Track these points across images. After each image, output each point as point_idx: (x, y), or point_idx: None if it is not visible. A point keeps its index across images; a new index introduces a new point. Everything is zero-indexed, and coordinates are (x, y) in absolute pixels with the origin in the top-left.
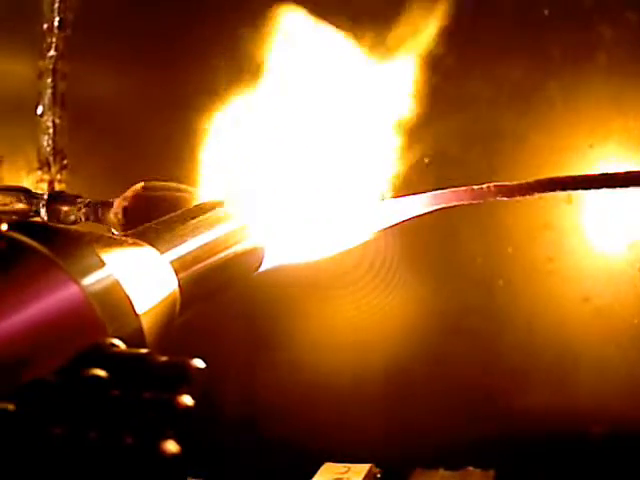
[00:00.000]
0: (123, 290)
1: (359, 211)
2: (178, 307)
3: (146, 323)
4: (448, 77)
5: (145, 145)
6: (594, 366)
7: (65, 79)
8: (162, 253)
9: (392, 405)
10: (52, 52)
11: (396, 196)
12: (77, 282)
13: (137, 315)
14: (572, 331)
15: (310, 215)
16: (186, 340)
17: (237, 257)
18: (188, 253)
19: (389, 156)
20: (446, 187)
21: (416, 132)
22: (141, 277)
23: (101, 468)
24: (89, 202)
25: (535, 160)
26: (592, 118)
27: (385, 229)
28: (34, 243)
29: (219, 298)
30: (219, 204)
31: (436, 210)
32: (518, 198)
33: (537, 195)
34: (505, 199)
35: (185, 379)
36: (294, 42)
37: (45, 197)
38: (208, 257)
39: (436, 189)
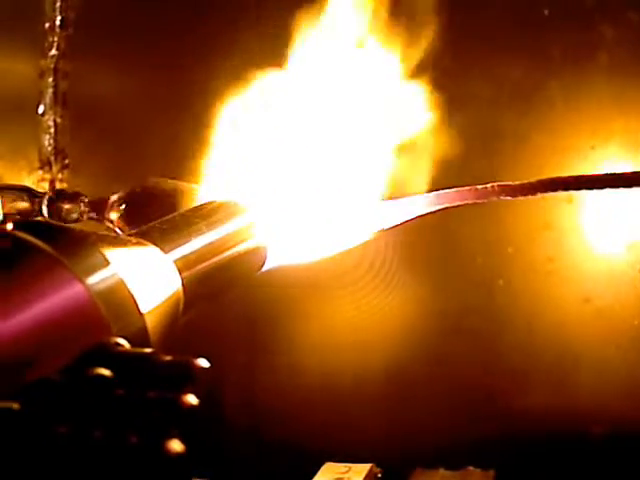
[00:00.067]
0: (127, 289)
1: (360, 211)
2: (182, 306)
3: (150, 322)
4: (449, 77)
5: (146, 144)
6: (594, 367)
7: (66, 78)
8: (166, 252)
9: (392, 405)
10: (54, 51)
11: (397, 196)
12: (82, 281)
13: (141, 314)
14: (572, 332)
15: (311, 215)
16: (187, 341)
17: (240, 257)
18: (192, 252)
19: (390, 156)
20: (448, 187)
21: (417, 132)
22: (145, 276)
23: (106, 467)
24: (91, 200)
25: (537, 160)
26: (594, 118)
27: (387, 229)
28: (39, 242)
29: (222, 298)
30: (223, 204)
31: (439, 210)
32: (520, 198)
33: (540, 195)
34: (508, 199)
35: (189, 378)
36: (295, 43)
37: (47, 195)
38: (212, 256)
39: (438, 189)
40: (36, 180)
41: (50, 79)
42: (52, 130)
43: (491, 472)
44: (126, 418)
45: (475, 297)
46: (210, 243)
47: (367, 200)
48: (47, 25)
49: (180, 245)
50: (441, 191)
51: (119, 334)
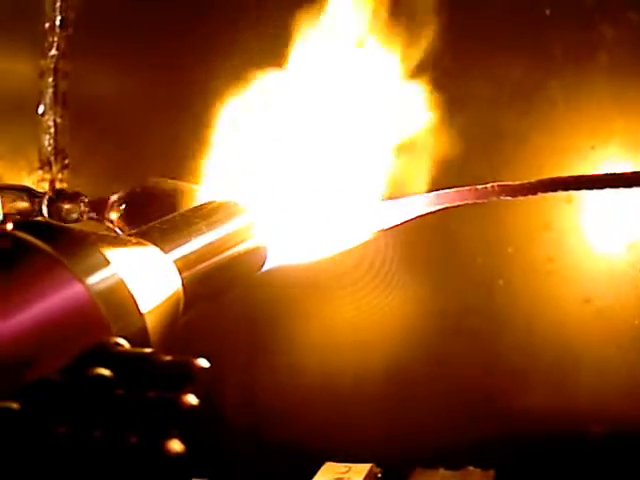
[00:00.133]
0: (127, 289)
1: (360, 211)
2: (182, 306)
3: (150, 322)
4: (449, 77)
5: (146, 144)
6: (594, 367)
7: (66, 78)
8: (166, 252)
9: (392, 405)
10: (54, 51)
11: (397, 196)
12: (82, 281)
13: (141, 314)
14: (572, 332)
15: (311, 215)
16: (187, 341)
17: (241, 257)
18: (192, 252)
19: (390, 156)
20: (448, 187)
21: (417, 132)
22: (145, 276)
23: (106, 467)
24: (91, 200)
25: (536, 160)
26: (594, 118)
27: (387, 229)
28: (39, 242)
29: (222, 298)
30: (222, 204)
31: (439, 210)
32: (520, 198)
33: (539, 195)
34: (508, 199)
35: (189, 378)
36: (295, 43)
37: (47, 195)
38: (212, 256)
39: (438, 189)
40: (36, 180)
41: (50, 79)
42: (52, 130)
43: (491, 472)
44: (126, 418)
45: (475, 297)
46: (210, 243)
47: (367, 200)
48: (47, 25)
49: (180, 245)
50: (441, 191)
51: (119, 334)
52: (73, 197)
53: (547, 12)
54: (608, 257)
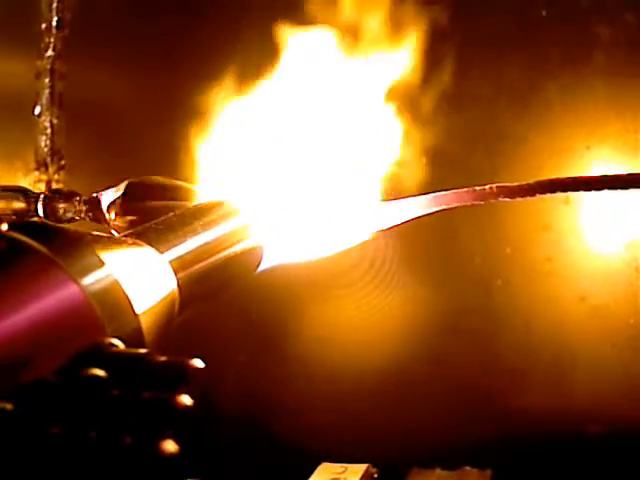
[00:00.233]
0: (122, 290)
1: (359, 212)
2: (177, 307)
3: (145, 323)
4: (447, 78)
5: (143, 145)
6: (591, 366)
7: (63, 79)
8: (161, 253)
9: (390, 405)
10: (50, 52)
11: (396, 197)
12: (77, 282)
13: (136, 315)
14: (569, 331)
15: (310, 215)
16: (185, 339)
17: (236, 257)
18: (187, 253)
19: (389, 157)
20: (447, 189)
21: (417, 133)
22: (140, 277)
23: (100, 468)
24: (86, 199)
25: (535, 161)
26: (590, 120)
27: (386, 229)
28: (34, 243)
29: (218, 298)
30: (218, 204)
31: (438, 211)
32: (518, 199)
33: (538, 196)
34: (507, 200)
35: (184, 379)
36: (294, 44)
37: (42, 195)
38: (207, 257)
39: (437, 190)
40: (32, 181)
41: (46, 80)
42: (48, 131)
43: (488, 472)
44: (120, 418)
45: (474, 297)
46: (206, 243)
47: (366, 201)
48: (43, 26)
49: (176, 245)
50: (439, 193)
51: (114, 335)
52: (69, 196)
53: (544, 13)
54: (605, 257)
